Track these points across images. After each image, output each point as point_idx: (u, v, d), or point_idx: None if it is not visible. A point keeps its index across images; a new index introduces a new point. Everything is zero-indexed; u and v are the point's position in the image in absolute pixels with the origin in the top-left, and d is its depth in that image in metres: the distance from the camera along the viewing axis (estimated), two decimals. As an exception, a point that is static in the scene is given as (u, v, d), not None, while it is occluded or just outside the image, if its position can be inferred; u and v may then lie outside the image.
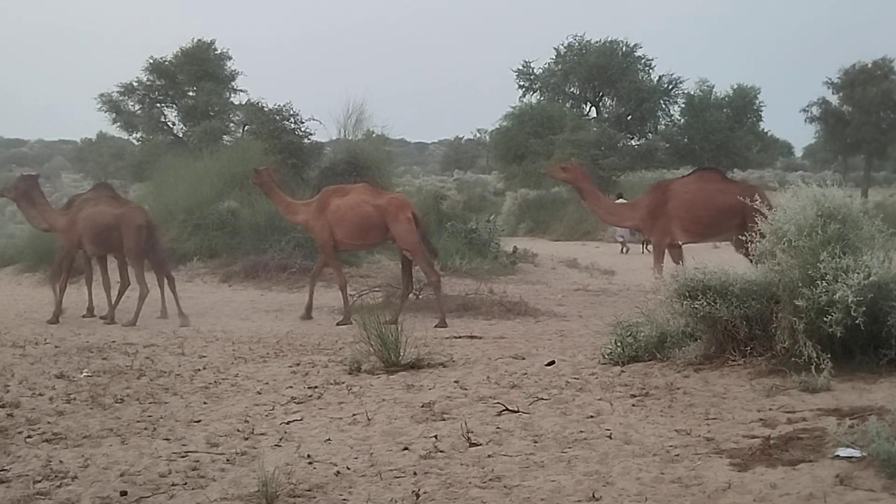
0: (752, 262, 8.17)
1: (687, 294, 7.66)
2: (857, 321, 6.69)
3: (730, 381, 7.17)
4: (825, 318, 6.78)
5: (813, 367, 6.71)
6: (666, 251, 13.54)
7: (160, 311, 14.34)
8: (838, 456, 5.06)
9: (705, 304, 7.45)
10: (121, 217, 14.12)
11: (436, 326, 12.82)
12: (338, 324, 13.37)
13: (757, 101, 48.32)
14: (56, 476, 5.70)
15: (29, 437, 6.74)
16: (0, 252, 22.21)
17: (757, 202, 12.69)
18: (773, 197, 10.09)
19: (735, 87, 48.23)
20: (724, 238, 13.78)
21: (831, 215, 7.38)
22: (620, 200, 30.61)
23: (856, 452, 5.03)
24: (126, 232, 14.07)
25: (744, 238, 10.05)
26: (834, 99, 48.10)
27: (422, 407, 7.25)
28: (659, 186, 13.96)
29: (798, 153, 77.27)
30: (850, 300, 6.66)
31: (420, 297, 15.12)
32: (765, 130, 50.81)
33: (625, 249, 29.56)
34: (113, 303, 14.30)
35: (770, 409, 6.30)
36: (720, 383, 7.16)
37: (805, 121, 48.77)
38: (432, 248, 14.28)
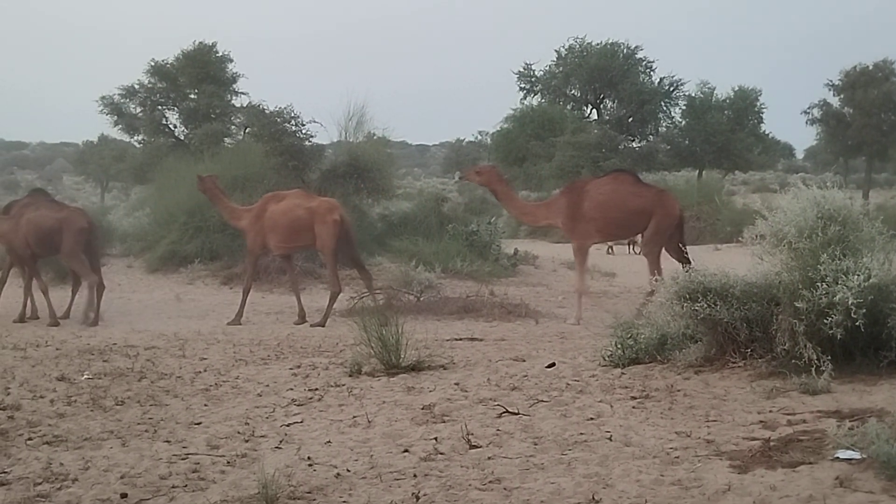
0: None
1: (687, 296, 7.66)
2: (857, 323, 6.69)
3: (730, 383, 7.17)
4: (825, 320, 6.79)
5: (813, 369, 6.71)
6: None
7: (64, 311, 14.70)
8: (838, 458, 5.06)
9: (706, 306, 7.45)
10: (63, 221, 14.32)
11: (312, 325, 13.55)
12: (228, 323, 13.87)
13: (758, 103, 48.23)
14: (57, 478, 5.70)
15: (29, 439, 6.74)
16: (0, 257, 22.20)
17: (669, 206, 13.21)
18: (774, 199, 10.10)
19: (736, 89, 48.19)
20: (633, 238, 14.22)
21: (832, 217, 7.38)
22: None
23: (856, 454, 5.03)
24: (67, 235, 14.25)
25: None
26: (835, 101, 48.17)
27: (422, 409, 7.25)
28: (574, 187, 14.12)
29: (799, 155, 77.39)
30: (850, 302, 6.66)
31: (421, 299, 15.14)
32: (766, 132, 50.69)
33: (610, 250, 29.80)
34: (69, 304, 14.77)
35: (770, 411, 6.30)
36: (720, 385, 7.16)
37: (806, 123, 48.89)
38: (356, 256, 14.80)
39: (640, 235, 28.43)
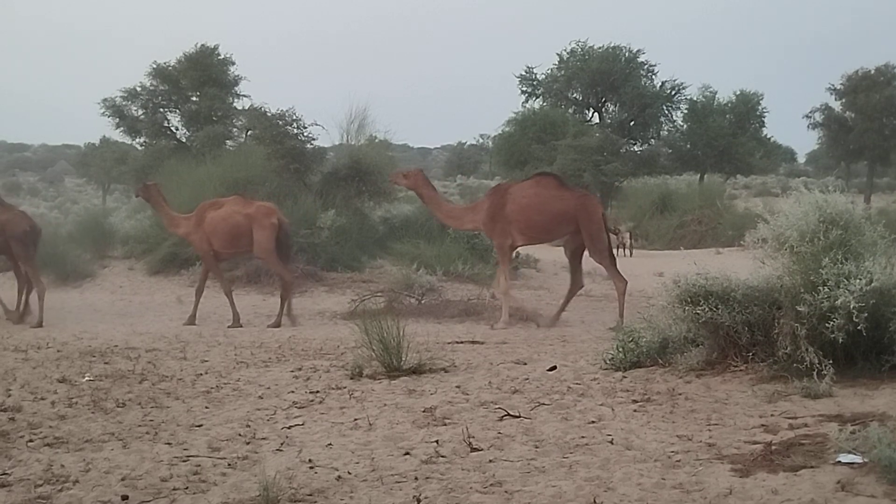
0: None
1: (689, 300, 7.66)
2: (858, 327, 6.69)
3: (731, 387, 7.17)
4: (827, 324, 6.79)
5: (815, 372, 6.71)
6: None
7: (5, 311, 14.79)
8: (840, 462, 5.06)
9: (707, 309, 7.45)
10: (7, 223, 14.36)
11: (268, 326, 13.87)
12: (184, 324, 14.09)
13: (760, 108, 48.17)
14: (57, 480, 5.70)
15: (30, 441, 6.73)
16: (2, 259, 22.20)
17: (591, 210, 13.34)
18: (776, 203, 10.09)
19: (738, 93, 48.10)
20: (560, 241, 14.52)
21: (833, 221, 7.38)
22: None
23: (857, 458, 5.03)
24: (11, 237, 14.34)
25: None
26: (837, 105, 48.11)
27: (423, 412, 7.25)
28: (498, 190, 14.18)
29: (801, 159, 77.36)
30: (851, 306, 6.66)
31: (422, 302, 15.14)
32: (768, 136, 50.65)
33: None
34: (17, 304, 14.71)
35: (772, 415, 6.30)
36: (722, 389, 7.16)
37: (808, 127, 48.80)
38: (288, 259, 15.12)
39: (627, 236, 28.92)
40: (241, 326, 13.93)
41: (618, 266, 13.73)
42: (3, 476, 5.79)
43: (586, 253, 13.66)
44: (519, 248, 22.12)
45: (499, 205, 13.62)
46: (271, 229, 14.34)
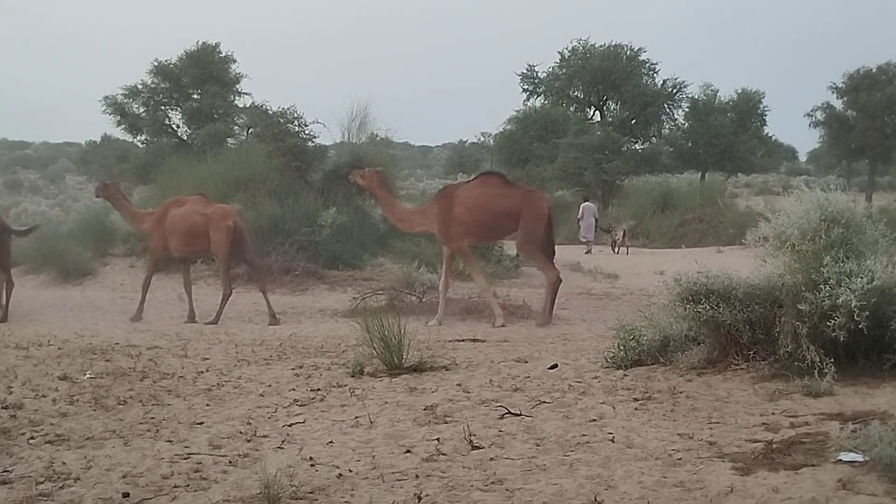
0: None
1: (690, 298, 7.66)
2: (860, 326, 6.69)
3: (732, 385, 7.17)
4: (828, 323, 6.78)
5: (816, 371, 6.71)
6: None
7: None
8: (841, 460, 5.06)
9: (708, 308, 7.45)
10: None
11: (206, 323, 13.99)
12: (130, 319, 14.39)
13: (761, 106, 48.15)
14: (59, 477, 5.71)
15: (32, 438, 6.75)
16: None
17: (535, 206, 13.48)
18: (777, 201, 10.09)
19: (739, 91, 48.09)
20: (509, 238, 14.74)
21: (835, 220, 7.38)
22: (586, 203, 31.30)
23: (858, 457, 5.02)
24: None
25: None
26: (838, 104, 48.05)
27: (424, 410, 7.25)
28: (445, 192, 14.32)
29: (802, 158, 77.31)
30: (853, 304, 6.66)
31: (424, 300, 15.14)
32: (769, 135, 50.65)
33: (589, 250, 30.15)
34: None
35: (773, 414, 6.30)
36: (723, 387, 7.16)
37: (809, 125, 48.74)
38: (250, 258, 15.43)
39: (620, 234, 29.40)
40: (195, 322, 14.19)
41: (554, 262, 13.98)
42: (4, 473, 5.81)
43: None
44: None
45: (447, 207, 13.77)
46: (227, 231, 14.52)
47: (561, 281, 13.76)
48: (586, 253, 28.80)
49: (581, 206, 32.30)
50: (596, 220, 31.88)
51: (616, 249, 30.43)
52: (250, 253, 15.31)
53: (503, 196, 13.65)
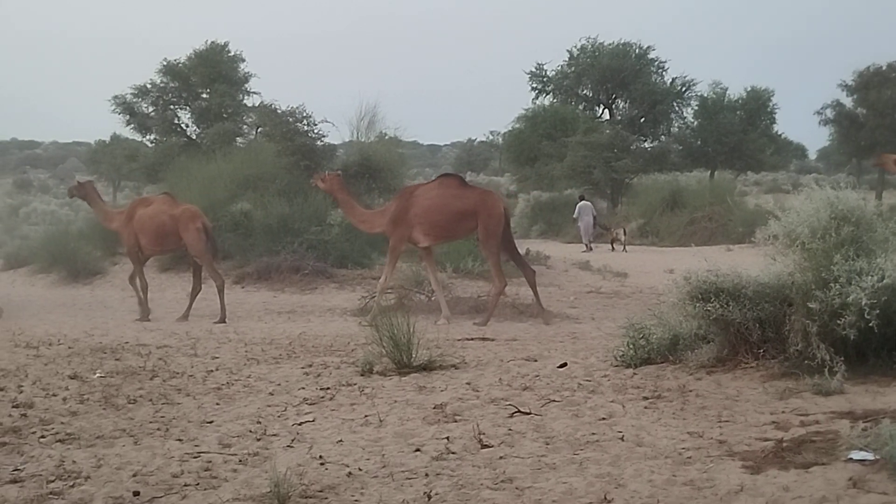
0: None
1: (700, 296, 7.64)
2: (870, 324, 6.66)
3: (742, 384, 7.15)
4: (838, 321, 6.76)
5: (826, 369, 6.69)
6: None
7: None
8: (851, 459, 5.04)
9: (718, 306, 7.43)
10: None
11: (214, 322, 14.10)
12: (138, 319, 14.50)
13: (770, 104, 48.07)
14: (69, 476, 5.72)
15: (42, 437, 6.76)
16: (14, 253, 22.34)
17: (491, 207, 13.64)
18: (787, 199, 10.06)
19: (748, 89, 48.02)
20: (467, 238, 15.15)
21: (845, 218, 7.35)
22: (583, 203, 31.61)
23: (869, 455, 5.01)
24: None
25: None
26: (848, 101, 47.84)
27: (434, 408, 7.25)
28: (404, 193, 14.52)
29: (812, 156, 77.09)
30: (863, 303, 6.64)
31: (431, 298, 15.14)
32: (778, 133, 50.52)
33: (589, 248, 30.61)
34: None
35: (783, 412, 6.29)
36: (733, 386, 7.14)
37: (819, 123, 48.55)
38: (216, 254, 15.80)
39: (621, 232, 29.93)
40: (149, 321, 14.41)
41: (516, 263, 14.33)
42: (15, 472, 5.82)
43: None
44: (529, 248, 22.36)
45: (404, 208, 13.96)
46: (197, 232, 14.84)
47: (503, 293, 14.00)
48: (583, 252, 28.99)
49: (577, 205, 32.56)
50: (594, 218, 32.09)
51: (614, 247, 30.67)
52: (216, 254, 15.68)
53: (459, 197, 13.84)
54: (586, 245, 31.07)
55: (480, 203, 13.72)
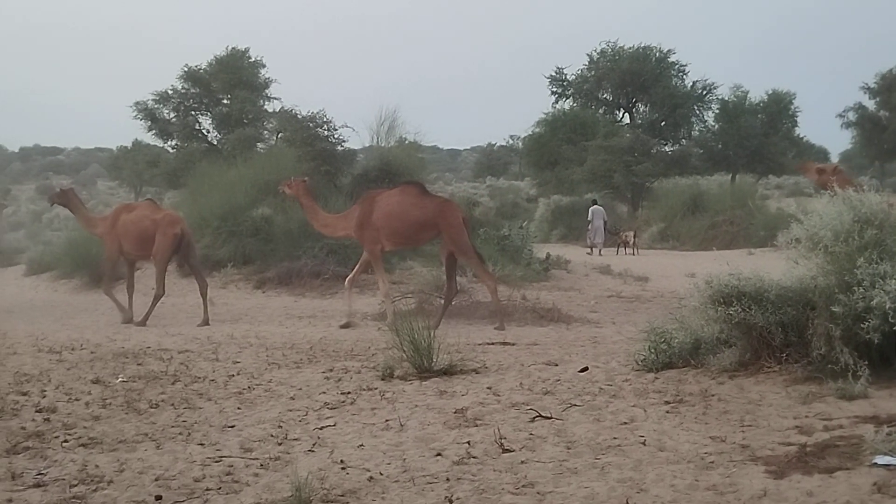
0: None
1: (721, 300, 7.60)
2: (894, 328, 6.61)
3: (765, 388, 7.11)
4: (862, 325, 6.71)
5: (850, 373, 6.64)
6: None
7: None
8: (876, 464, 5.00)
9: (740, 310, 7.39)
10: None
11: (136, 323, 14.51)
12: (122, 322, 14.77)
13: (792, 107, 47.85)
14: (92, 480, 5.74)
15: (65, 441, 6.79)
16: (37, 259, 22.48)
17: (449, 215, 13.76)
18: (809, 203, 10.01)
19: (770, 92, 47.82)
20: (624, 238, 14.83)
21: (868, 221, 7.30)
22: (595, 207, 31.87)
23: (894, 460, 4.97)
24: None
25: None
26: (870, 104, 47.68)
27: (455, 413, 7.24)
28: (367, 199, 14.62)
29: (834, 159, 76.37)
30: (887, 306, 6.58)
31: (453, 303, 15.14)
32: (800, 136, 50.32)
33: (596, 251, 31.01)
34: None
35: (806, 417, 6.24)
36: (755, 390, 7.10)
37: (841, 126, 48.44)
38: (195, 264, 15.92)
39: (631, 235, 30.34)
40: (131, 322, 14.72)
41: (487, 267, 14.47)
42: (38, 476, 5.85)
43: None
44: (549, 252, 22.35)
45: (367, 213, 14.15)
46: (173, 238, 15.07)
47: (497, 288, 14.07)
48: (588, 254, 29.23)
49: (590, 209, 32.87)
50: (605, 222, 32.32)
51: (626, 250, 30.89)
52: (195, 258, 15.94)
53: (418, 206, 13.98)
54: (590, 248, 31.48)
55: (439, 213, 13.86)
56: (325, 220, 15.09)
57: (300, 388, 8.67)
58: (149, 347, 11.56)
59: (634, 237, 31.97)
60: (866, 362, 6.67)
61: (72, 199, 16.43)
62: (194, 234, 20.26)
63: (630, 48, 46.68)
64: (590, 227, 32.42)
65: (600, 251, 31.10)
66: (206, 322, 14.52)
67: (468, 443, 6.28)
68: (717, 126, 47.23)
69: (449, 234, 13.73)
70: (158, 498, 5.37)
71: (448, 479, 5.48)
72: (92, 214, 16.97)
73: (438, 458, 5.99)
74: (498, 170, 76.19)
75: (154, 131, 36.09)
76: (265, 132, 34.06)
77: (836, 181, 12.68)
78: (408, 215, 13.91)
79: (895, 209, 7.58)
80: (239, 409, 7.90)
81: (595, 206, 32.85)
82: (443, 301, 14.14)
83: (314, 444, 6.54)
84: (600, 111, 48.12)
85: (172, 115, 35.71)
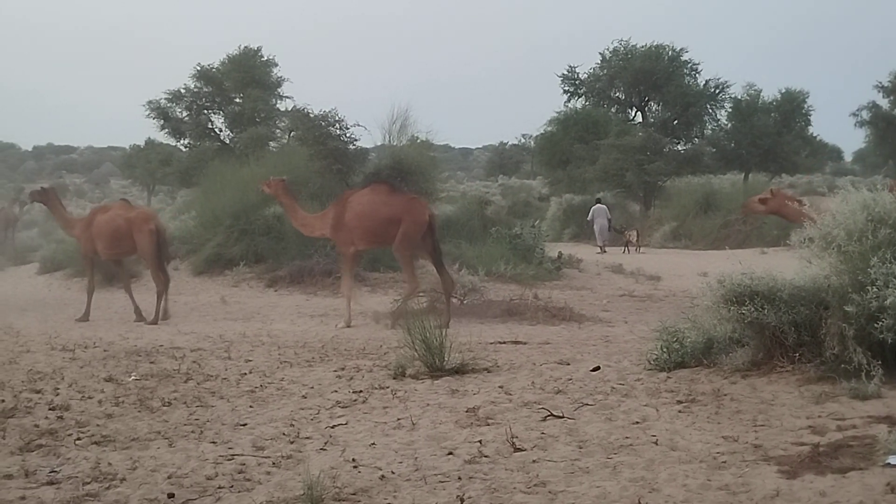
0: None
1: (734, 300, 7.58)
2: (908, 328, 6.59)
3: (778, 388, 7.09)
4: (876, 325, 6.69)
5: (863, 373, 6.62)
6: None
7: None
8: (889, 464, 4.99)
9: (753, 309, 7.37)
10: None
11: (147, 323, 14.54)
12: (77, 320, 14.85)
13: (805, 106, 47.54)
14: (105, 478, 5.77)
15: (78, 439, 6.82)
16: (50, 257, 22.53)
17: (415, 213, 13.91)
18: (823, 202, 9.98)
19: (783, 91, 47.49)
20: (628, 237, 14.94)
21: (881, 220, 7.28)
22: (597, 206, 32.00)
23: (907, 461, 4.96)
24: None
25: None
26: (884, 103, 47.33)
27: (466, 412, 7.24)
28: (341, 199, 14.84)
29: (848, 158, 76.28)
30: (901, 306, 6.56)
31: (465, 302, 15.15)
32: (813, 135, 50.00)
33: (603, 250, 31.00)
34: None
35: (819, 416, 6.23)
36: (768, 390, 7.08)
37: (855, 125, 48.02)
38: (167, 257, 16.20)
39: (634, 234, 30.69)
40: (87, 320, 14.80)
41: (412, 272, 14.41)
42: (51, 473, 5.88)
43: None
44: (561, 251, 22.33)
45: (340, 213, 14.35)
46: (150, 234, 15.20)
47: (416, 293, 14.35)
48: (597, 254, 29.29)
49: (592, 208, 33.02)
50: (609, 221, 32.42)
51: (628, 249, 31.27)
52: (167, 255, 16.10)
53: (387, 204, 14.15)
54: (600, 248, 31.52)
55: (406, 210, 14.03)
56: (303, 220, 15.30)
57: (312, 387, 8.69)
58: (161, 346, 11.59)
59: (637, 236, 32.19)
60: (880, 362, 6.66)
61: (51, 199, 16.69)
62: (208, 233, 20.38)
63: (642, 47, 46.50)
64: (594, 226, 32.65)
65: (603, 248, 31.29)
66: (155, 321, 14.59)
67: (480, 442, 6.28)
68: (729, 125, 46.98)
69: (404, 230, 13.92)
70: (171, 496, 5.39)
71: (460, 478, 5.48)
72: (69, 215, 17.34)
73: (450, 456, 5.99)
74: (510, 169, 76.13)
75: (167, 130, 36.19)
76: (277, 131, 34.10)
77: (785, 202, 12.92)
78: (378, 214, 14.10)
79: None
80: (251, 407, 7.92)
81: (597, 206, 33.01)
82: (444, 298, 14.14)
83: (326, 443, 6.55)
84: (612, 110, 47.95)
85: (185, 113, 35.79)
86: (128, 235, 15.26)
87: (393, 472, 5.67)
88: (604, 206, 33.06)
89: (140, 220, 15.37)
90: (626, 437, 6.16)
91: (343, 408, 7.72)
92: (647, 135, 41.82)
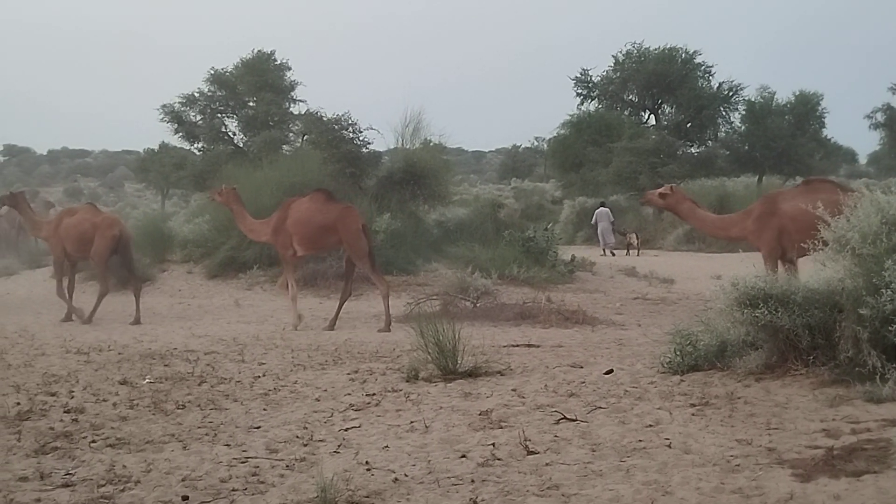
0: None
1: (748, 302, 7.56)
2: (923, 331, 6.56)
3: (792, 391, 7.07)
4: (890, 328, 6.67)
5: (877, 376, 6.60)
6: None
7: None
8: (904, 467, 4.97)
9: (766, 312, 7.35)
10: None
11: (83, 322, 14.95)
12: (62, 320, 15.21)
13: (819, 108, 47.40)
14: (119, 480, 5.79)
15: (93, 441, 6.85)
16: (65, 261, 22.58)
17: (348, 221, 14.21)
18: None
19: (797, 93, 47.40)
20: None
21: (896, 223, 7.25)
22: (600, 209, 32.14)
23: (922, 464, 4.94)
24: None
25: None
26: (899, 105, 47.20)
27: (479, 415, 7.25)
28: (284, 205, 15.13)
29: (862, 160, 75.90)
30: (916, 309, 6.54)
31: (478, 305, 15.14)
32: (828, 137, 49.83)
33: (608, 251, 31.55)
34: None
35: (833, 420, 6.20)
36: (782, 393, 7.06)
37: (869, 127, 47.95)
38: (131, 266, 16.31)
39: (634, 237, 30.95)
40: (72, 321, 15.16)
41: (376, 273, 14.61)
42: (66, 476, 5.90)
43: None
44: (574, 254, 22.31)
45: (282, 218, 14.73)
46: (111, 240, 15.59)
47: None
48: (601, 255, 29.75)
49: (595, 211, 33.34)
50: (612, 223, 32.60)
51: (629, 252, 31.65)
52: (131, 259, 16.36)
53: (322, 211, 14.52)
54: (603, 250, 31.82)
55: (339, 218, 14.33)
56: (251, 226, 15.65)
57: (325, 390, 8.70)
58: (175, 349, 11.63)
59: (638, 239, 32.56)
60: (894, 365, 6.63)
61: (20, 202, 17.09)
62: (222, 237, 20.43)
63: (656, 49, 46.44)
64: (597, 229, 32.98)
65: (604, 250, 31.61)
66: (137, 321, 14.87)
67: (493, 444, 6.28)
68: (743, 127, 46.87)
69: (346, 239, 14.31)
70: (185, 498, 5.41)
71: (473, 481, 5.48)
72: (38, 218, 17.75)
73: (463, 459, 6.00)
74: (523, 171, 76.06)
75: (181, 134, 36.27)
76: (291, 134, 34.15)
77: (681, 200, 12.99)
78: (313, 221, 14.47)
79: None
80: (265, 410, 7.93)
81: (600, 209, 33.29)
82: (338, 301, 14.78)
83: (339, 446, 6.56)
84: (626, 113, 47.89)
85: (199, 117, 35.88)
86: (93, 239, 15.63)
87: (406, 475, 5.68)
88: (607, 210, 33.25)
89: (105, 225, 15.76)
90: (640, 441, 6.15)
91: (356, 411, 7.74)
92: (661, 137, 41.76)
